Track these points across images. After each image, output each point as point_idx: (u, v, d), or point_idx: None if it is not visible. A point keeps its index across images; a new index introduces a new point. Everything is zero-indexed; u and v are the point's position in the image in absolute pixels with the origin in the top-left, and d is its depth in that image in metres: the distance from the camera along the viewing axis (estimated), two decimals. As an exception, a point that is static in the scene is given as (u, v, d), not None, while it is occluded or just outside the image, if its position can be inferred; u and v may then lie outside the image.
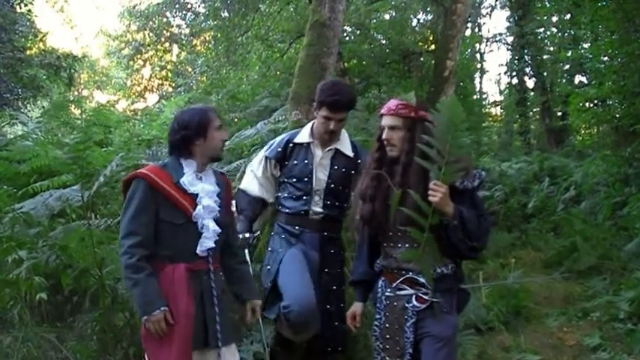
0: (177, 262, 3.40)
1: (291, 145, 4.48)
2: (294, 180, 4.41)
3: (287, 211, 4.43)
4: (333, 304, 4.33)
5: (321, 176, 4.37)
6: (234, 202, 4.31)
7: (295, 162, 4.43)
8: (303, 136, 4.49)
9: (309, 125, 4.54)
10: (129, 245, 3.33)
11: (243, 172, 5.33)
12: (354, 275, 3.84)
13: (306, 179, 4.36)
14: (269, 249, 4.51)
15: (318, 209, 4.34)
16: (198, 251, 3.44)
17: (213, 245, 3.48)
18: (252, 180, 4.54)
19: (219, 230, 3.50)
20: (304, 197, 4.36)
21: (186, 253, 3.43)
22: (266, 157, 4.54)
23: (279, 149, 4.49)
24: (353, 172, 4.41)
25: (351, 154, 4.46)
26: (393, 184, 3.41)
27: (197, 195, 3.49)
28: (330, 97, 4.25)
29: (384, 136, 3.51)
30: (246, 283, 3.87)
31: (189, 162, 3.56)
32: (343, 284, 4.49)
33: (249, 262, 4.17)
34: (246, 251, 4.22)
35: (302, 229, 4.36)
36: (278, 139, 4.67)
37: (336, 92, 4.28)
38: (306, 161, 4.40)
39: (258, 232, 4.44)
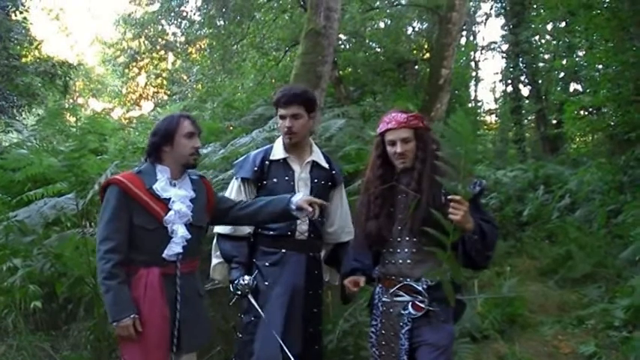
0: (151, 267, 3.41)
1: (267, 162, 4.24)
2: None
3: (271, 233, 4.18)
4: (314, 327, 4.20)
5: (303, 191, 4.15)
6: (218, 252, 4.21)
7: (275, 180, 4.21)
8: (278, 151, 4.28)
9: (280, 140, 4.33)
10: (104, 251, 3.37)
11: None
12: (349, 266, 3.81)
13: None
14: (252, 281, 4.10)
15: (304, 227, 4.16)
16: (165, 255, 3.44)
17: (181, 250, 3.47)
18: None
19: (189, 236, 3.49)
20: None
21: (159, 257, 3.44)
22: (244, 180, 4.24)
23: (256, 168, 4.22)
24: (330, 183, 4.31)
25: (326, 165, 4.32)
26: (410, 192, 3.44)
27: (169, 200, 3.51)
28: (279, 94, 4.19)
29: (398, 150, 3.50)
30: None
31: (163, 168, 3.58)
32: (322, 305, 4.38)
33: (258, 308, 4.02)
34: (250, 297, 4.00)
35: (288, 251, 4.14)
36: (242, 159, 4.42)
37: (284, 89, 4.23)
38: (286, 178, 4.20)
39: (257, 272, 4.24)
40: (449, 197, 3.18)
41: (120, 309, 3.33)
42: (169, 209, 3.48)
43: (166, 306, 3.40)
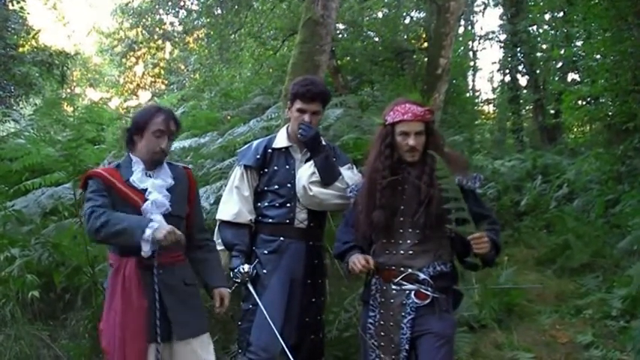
0: (129, 257, 3.39)
1: (269, 150, 4.28)
2: (276, 187, 4.21)
3: (270, 220, 4.19)
4: (312, 317, 4.20)
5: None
6: (219, 239, 4.22)
7: (276, 168, 4.24)
8: (281, 140, 4.31)
9: (284, 129, 4.38)
10: (89, 215, 3.34)
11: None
12: (341, 246, 3.79)
13: (289, 185, 4.19)
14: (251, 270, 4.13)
15: (304, 215, 4.18)
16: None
17: None
18: (237, 204, 4.21)
19: (167, 226, 3.39)
20: (288, 204, 4.18)
21: (137, 248, 3.36)
22: (246, 167, 4.27)
23: (258, 156, 4.26)
24: None
25: None
26: (422, 185, 3.46)
27: (146, 190, 3.51)
28: (303, 87, 4.15)
29: (411, 143, 3.50)
30: (214, 271, 3.84)
31: (137, 159, 3.60)
32: (323, 295, 4.39)
33: (256, 296, 3.96)
34: (250, 286, 4.02)
35: (286, 239, 4.17)
36: (246, 147, 4.48)
37: (308, 83, 4.20)
38: (287, 166, 4.23)
39: (257, 260, 4.28)
40: (469, 237, 3.23)
41: (138, 220, 3.31)
42: (147, 199, 3.48)
43: (144, 297, 3.38)
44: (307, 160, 4.22)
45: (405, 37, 18.04)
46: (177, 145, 7.00)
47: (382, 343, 3.52)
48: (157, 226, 3.25)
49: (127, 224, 3.29)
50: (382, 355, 3.50)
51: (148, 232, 3.22)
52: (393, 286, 3.54)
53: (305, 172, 4.14)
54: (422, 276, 3.46)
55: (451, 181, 3.21)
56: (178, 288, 3.56)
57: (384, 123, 3.62)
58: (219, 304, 3.74)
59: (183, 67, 27.21)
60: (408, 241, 3.52)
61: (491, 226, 3.44)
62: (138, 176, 3.53)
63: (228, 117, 10.88)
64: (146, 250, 3.26)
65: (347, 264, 3.67)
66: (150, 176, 3.57)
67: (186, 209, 3.70)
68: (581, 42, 14.48)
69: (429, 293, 3.44)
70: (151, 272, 3.42)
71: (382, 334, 3.53)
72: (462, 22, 24.12)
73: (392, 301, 3.52)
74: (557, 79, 19.15)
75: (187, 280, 3.65)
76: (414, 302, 3.45)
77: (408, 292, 3.48)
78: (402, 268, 3.51)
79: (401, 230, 3.54)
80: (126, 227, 3.27)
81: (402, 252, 3.53)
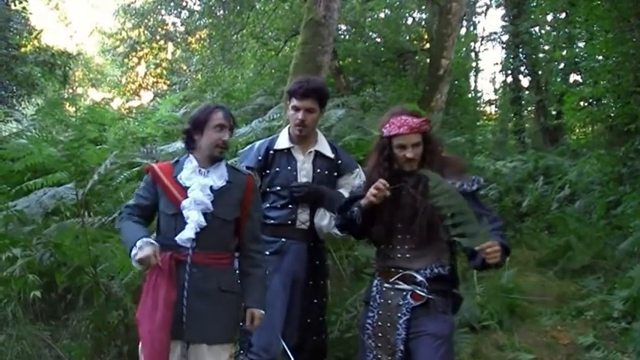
0: (167, 251, 3.44)
1: (271, 152, 4.29)
2: (278, 188, 4.22)
3: (272, 222, 4.20)
4: (313, 318, 4.23)
5: (304, 181, 4.23)
6: None
7: (278, 169, 4.25)
8: (283, 141, 4.32)
9: (286, 130, 4.38)
10: (120, 214, 3.71)
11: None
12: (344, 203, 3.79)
13: None
14: None
15: (305, 217, 4.20)
16: (177, 239, 3.43)
17: (193, 236, 3.44)
18: None
19: (204, 223, 3.45)
20: (290, 206, 4.19)
21: (174, 242, 3.45)
22: (248, 168, 4.22)
23: (260, 157, 4.28)
24: (335, 173, 4.33)
25: (331, 155, 4.34)
26: (417, 196, 3.43)
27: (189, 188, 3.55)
28: (296, 84, 4.20)
29: (409, 155, 3.48)
30: (253, 289, 3.72)
31: (192, 158, 3.65)
32: (325, 296, 4.41)
33: None
34: None
35: (288, 240, 4.18)
36: (248, 148, 4.52)
37: (302, 80, 4.24)
38: (289, 167, 4.24)
39: None
40: (478, 248, 3.18)
41: (128, 240, 3.45)
42: (187, 197, 3.51)
43: (173, 290, 3.40)
44: (314, 172, 4.26)
45: (407, 38, 18.09)
46: (179, 145, 7.01)
47: (379, 344, 3.52)
48: (140, 246, 3.33)
49: (125, 239, 3.53)
50: (379, 356, 3.51)
51: (134, 251, 3.34)
52: (388, 285, 3.55)
53: (323, 222, 4.19)
54: (419, 277, 3.46)
55: (453, 195, 3.18)
56: (209, 291, 3.51)
57: (381, 135, 3.61)
58: (249, 324, 3.69)
59: (185, 67, 27.20)
60: (406, 246, 3.53)
61: (494, 224, 3.42)
62: (186, 174, 3.58)
63: (231, 117, 10.87)
64: (134, 264, 3.40)
65: (353, 210, 3.60)
66: (201, 174, 3.60)
67: (235, 214, 3.65)
68: (583, 43, 14.50)
69: (423, 294, 3.44)
70: (184, 268, 3.45)
71: (380, 334, 3.53)
72: (464, 23, 24.06)
73: (390, 301, 3.53)
74: (559, 80, 19.11)
75: (224, 287, 3.57)
76: (409, 303, 3.45)
77: (405, 293, 3.47)
78: (400, 270, 3.52)
79: (399, 236, 3.55)
80: (127, 240, 3.47)
81: (399, 255, 3.54)
